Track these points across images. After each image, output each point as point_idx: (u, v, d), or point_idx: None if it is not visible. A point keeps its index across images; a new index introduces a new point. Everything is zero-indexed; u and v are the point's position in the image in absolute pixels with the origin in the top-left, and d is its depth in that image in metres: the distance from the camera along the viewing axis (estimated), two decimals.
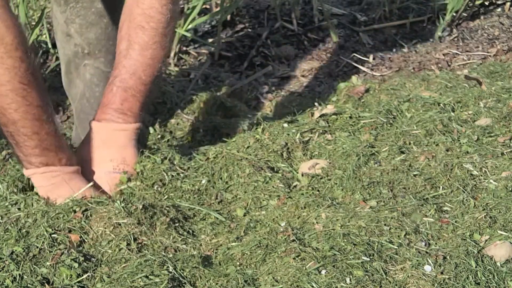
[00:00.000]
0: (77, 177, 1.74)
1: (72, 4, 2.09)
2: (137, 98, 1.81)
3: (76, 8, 2.10)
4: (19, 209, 1.67)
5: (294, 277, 1.42)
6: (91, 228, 1.57)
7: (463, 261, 1.44)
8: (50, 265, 1.47)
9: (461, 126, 1.89)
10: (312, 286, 1.39)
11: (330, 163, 1.84)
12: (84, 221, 1.59)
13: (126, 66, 1.80)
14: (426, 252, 1.47)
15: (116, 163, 1.81)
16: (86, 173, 1.79)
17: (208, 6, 3.21)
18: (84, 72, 2.14)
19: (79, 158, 1.80)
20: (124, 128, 1.81)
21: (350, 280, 1.40)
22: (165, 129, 2.65)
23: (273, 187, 1.75)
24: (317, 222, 1.59)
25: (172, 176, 1.79)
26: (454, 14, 3.19)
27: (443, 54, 3.03)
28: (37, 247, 1.51)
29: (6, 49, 1.60)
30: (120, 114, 1.80)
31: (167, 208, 1.66)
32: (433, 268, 1.42)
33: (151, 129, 2.66)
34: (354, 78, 2.81)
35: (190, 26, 2.91)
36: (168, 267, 1.46)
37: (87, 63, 2.14)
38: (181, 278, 1.45)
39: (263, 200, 1.72)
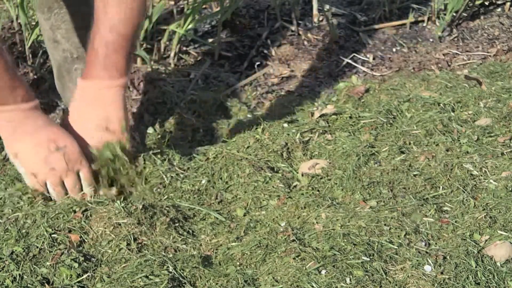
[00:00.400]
0: (35, 114, 1.70)
1: (56, 10, 2.07)
2: (120, 54, 1.78)
3: (60, 14, 2.08)
4: (19, 209, 1.67)
5: (294, 277, 1.42)
6: (91, 228, 1.57)
7: (463, 261, 1.44)
8: (50, 265, 1.47)
9: (461, 126, 1.89)
10: (312, 286, 1.39)
11: (330, 163, 1.84)
12: (84, 221, 1.59)
13: (104, 22, 1.77)
14: (426, 252, 1.47)
15: (100, 121, 1.77)
16: (73, 132, 1.77)
17: (208, 6, 3.22)
18: (76, 75, 2.13)
19: (67, 117, 1.78)
20: (109, 85, 1.78)
21: (350, 280, 1.40)
22: (165, 129, 2.65)
23: (273, 187, 1.75)
24: (317, 222, 1.59)
25: (172, 176, 1.79)
26: (454, 14, 3.19)
27: (443, 54, 3.03)
28: (37, 247, 1.51)
29: None
30: (105, 70, 1.77)
31: (167, 208, 1.66)
32: (433, 268, 1.42)
33: (151, 129, 2.66)
34: (354, 78, 2.80)
35: (190, 26, 2.91)
36: (168, 267, 1.46)
37: (78, 67, 2.14)
38: (181, 278, 1.45)
39: (263, 200, 1.72)
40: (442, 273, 1.41)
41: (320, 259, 1.45)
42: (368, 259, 1.45)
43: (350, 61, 2.98)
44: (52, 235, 1.54)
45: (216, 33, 3.06)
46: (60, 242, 1.53)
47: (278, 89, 2.80)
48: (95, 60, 1.77)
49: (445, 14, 3.17)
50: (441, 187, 1.69)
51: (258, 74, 2.84)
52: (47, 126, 1.72)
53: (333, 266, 1.43)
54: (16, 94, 1.68)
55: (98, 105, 1.78)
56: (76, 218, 1.59)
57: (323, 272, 1.42)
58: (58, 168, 1.70)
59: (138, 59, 3.00)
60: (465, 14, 3.27)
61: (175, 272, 1.46)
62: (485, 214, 1.56)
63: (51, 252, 1.50)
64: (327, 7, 3.29)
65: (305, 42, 3.10)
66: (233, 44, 3.06)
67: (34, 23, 2.76)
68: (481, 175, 1.70)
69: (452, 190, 1.67)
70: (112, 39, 1.76)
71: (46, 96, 2.67)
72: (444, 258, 1.45)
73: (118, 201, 1.62)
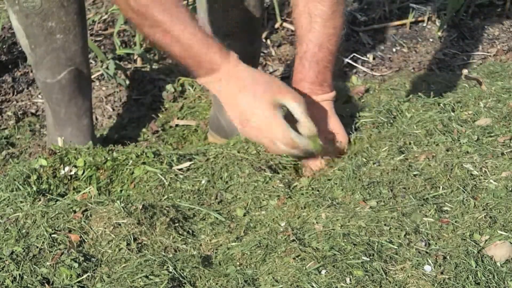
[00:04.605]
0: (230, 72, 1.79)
1: None
2: (328, 69, 1.90)
3: None
4: (19, 209, 1.67)
5: (294, 277, 1.42)
6: (91, 228, 1.57)
7: (463, 261, 1.44)
8: (50, 265, 1.47)
9: (461, 126, 1.88)
10: (312, 286, 1.39)
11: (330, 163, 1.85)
12: (84, 221, 1.59)
13: (312, 40, 1.88)
14: (426, 252, 1.47)
15: (326, 134, 1.87)
16: None
17: None
18: None
19: None
20: (325, 98, 1.89)
21: (350, 280, 1.40)
22: (164, 130, 2.65)
23: (273, 187, 1.75)
24: (317, 222, 1.59)
25: (172, 177, 1.79)
26: (454, 14, 3.19)
27: (443, 54, 3.03)
28: (37, 247, 1.51)
29: None
30: (318, 86, 1.89)
31: (167, 208, 1.66)
32: (433, 268, 1.42)
33: (150, 130, 2.66)
34: (354, 78, 2.81)
35: None
36: (168, 267, 1.46)
37: (229, 43, 2.17)
38: (181, 278, 1.45)
39: (263, 200, 1.72)
40: (442, 273, 1.41)
41: (320, 259, 1.45)
42: (368, 259, 1.45)
43: (350, 61, 2.98)
44: (52, 235, 1.54)
45: None
46: (60, 242, 1.53)
47: None
48: (308, 78, 1.89)
49: (445, 14, 3.17)
50: (441, 187, 1.68)
51: None
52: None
53: (333, 266, 1.43)
54: (202, 65, 1.78)
55: (320, 119, 1.87)
56: (76, 218, 1.59)
57: (323, 272, 1.42)
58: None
59: (138, 59, 3.00)
60: (465, 14, 3.27)
61: (175, 272, 1.46)
62: (485, 214, 1.56)
63: (51, 252, 1.50)
64: None
65: None
66: None
67: None
68: (481, 175, 1.70)
69: (452, 190, 1.67)
70: (322, 56, 1.88)
71: None
72: (444, 258, 1.45)
73: (118, 201, 1.62)
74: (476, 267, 1.43)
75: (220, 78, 1.78)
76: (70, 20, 2.14)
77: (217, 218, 1.68)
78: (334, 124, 1.89)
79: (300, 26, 1.90)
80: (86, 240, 1.56)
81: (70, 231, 1.57)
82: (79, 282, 1.45)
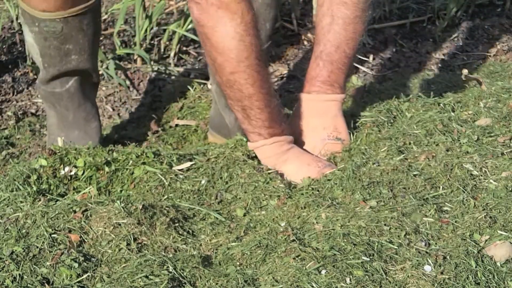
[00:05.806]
0: (295, 145, 1.85)
1: None
2: (342, 71, 1.92)
3: None
4: (19, 209, 1.67)
5: (294, 277, 1.42)
6: (91, 228, 1.57)
7: (463, 261, 1.44)
8: (50, 265, 1.47)
9: (461, 126, 1.89)
10: (312, 286, 1.39)
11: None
12: (84, 221, 1.59)
13: (330, 40, 1.91)
14: (426, 252, 1.47)
15: (329, 131, 1.90)
16: (299, 142, 1.89)
17: None
18: None
19: (291, 128, 1.90)
20: (333, 98, 1.92)
21: (350, 280, 1.40)
22: (164, 130, 2.65)
23: (273, 187, 1.75)
24: (317, 222, 1.59)
25: (171, 177, 1.79)
26: (454, 14, 3.19)
27: (443, 54, 3.03)
28: (37, 247, 1.51)
29: (247, 27, 1.69)
30: (328, 86, 1.91)
31: (167, 208, 1.66)
32: (433, 268, 1.42)
33: (150, 130, 2.66)
34: (354, 78, 2.80)
35: (190, 26, 2.91)
36: (168, 267, 1.46)
37: None
38: (181, 278, 1.45)
39: (263, 200, 1.72)
40: (442, 273, 1.41)
41: (320, 259, 1.45)
42: (368, 259, 1.45)
43: None
44: (52, 235, 1.54)
45: None
46: (60, 242, 1.53)
47: (278, 89, 2.80)
48: (320, 76, 1.92)
49: (445, 14, 3.17)
50: (441, 187, 1.69)
51: None
52: (304, 152, 1.86)
53: (333, 266, 1.43)
54: (283, 127, 1.84)
55: (323, 116, 1.91)
56: (76, 218, 1.59)
57: (323, 272, 1.42)
58: None
59: (138, 59, 3.00)
60: (465, 14, 3.27)
61: (175, 272, 1.46)
62: (485, 214, 1.56)
63: (51, 252, 1.50)
64: None
65: (305, 42, 3.10)
66: None
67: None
68: (481, 175, 1.70)
69: (452, 190, 1.67)
70: (337, 57, 1.91)
71: None
72: (444, 258, 1.45)
73: (118, 201, 1.63)
74: (476, 267, 1.43)
75: (282, 141, 1.83)
76: (86, 41, 2.13)
77: (217, 218, 1.68)
78: (338, 124, 1.92)
79: (321, 27, 1.92)
80: (86, 240, 1.56)
81: (70, 231, 1.57)
82: (79, 282, 1.45)
